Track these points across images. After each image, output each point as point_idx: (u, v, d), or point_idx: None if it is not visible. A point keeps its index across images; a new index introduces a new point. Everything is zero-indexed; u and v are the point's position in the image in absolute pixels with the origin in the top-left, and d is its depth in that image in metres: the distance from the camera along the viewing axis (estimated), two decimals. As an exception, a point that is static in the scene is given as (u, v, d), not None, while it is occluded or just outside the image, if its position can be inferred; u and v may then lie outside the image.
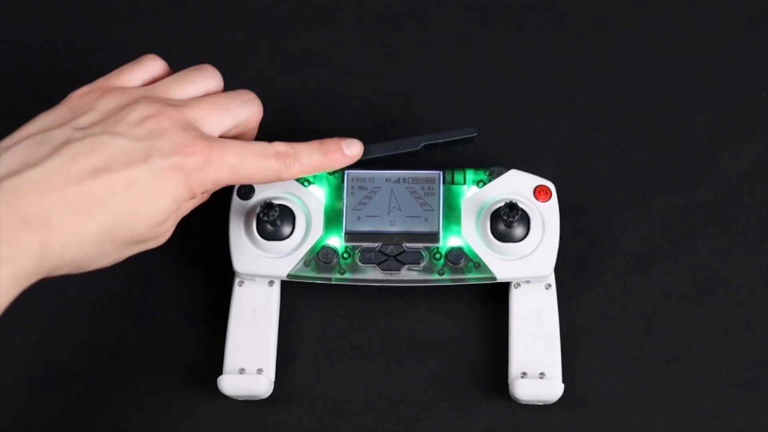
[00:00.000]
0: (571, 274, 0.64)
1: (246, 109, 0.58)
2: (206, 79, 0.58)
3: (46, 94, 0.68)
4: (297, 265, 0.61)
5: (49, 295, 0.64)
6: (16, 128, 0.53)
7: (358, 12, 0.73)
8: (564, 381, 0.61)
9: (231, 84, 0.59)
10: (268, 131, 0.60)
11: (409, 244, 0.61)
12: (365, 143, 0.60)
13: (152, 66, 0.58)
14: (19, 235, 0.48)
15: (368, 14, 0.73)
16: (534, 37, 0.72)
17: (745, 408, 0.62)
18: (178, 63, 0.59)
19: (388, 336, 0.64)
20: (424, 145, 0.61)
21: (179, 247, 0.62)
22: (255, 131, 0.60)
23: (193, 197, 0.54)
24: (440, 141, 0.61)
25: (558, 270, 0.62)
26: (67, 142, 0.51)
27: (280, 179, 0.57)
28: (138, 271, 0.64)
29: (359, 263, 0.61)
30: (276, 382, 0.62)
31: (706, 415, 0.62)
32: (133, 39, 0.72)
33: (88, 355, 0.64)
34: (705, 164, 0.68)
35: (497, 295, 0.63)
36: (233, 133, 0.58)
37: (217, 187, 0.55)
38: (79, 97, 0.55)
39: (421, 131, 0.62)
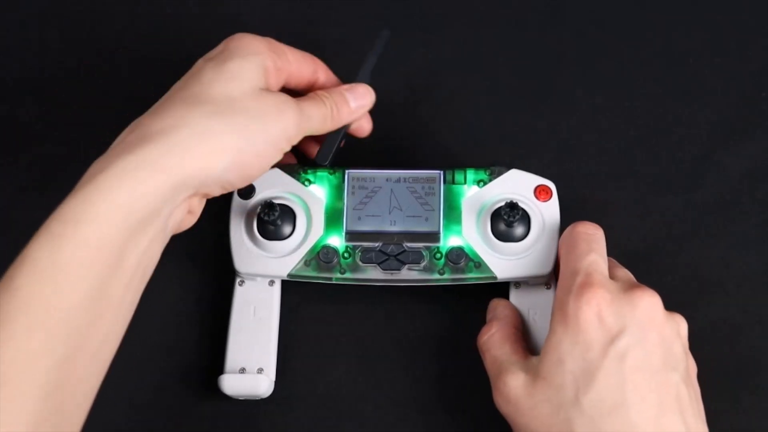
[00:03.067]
0: (571, 274, 0.64)
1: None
2: None
3: (46, 95, 0.68)
4: (297, 264, 0.61)
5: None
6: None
7: (358, 12, 0.73)
8: (564, 381, 0.60)
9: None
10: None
11: (409, 244, 0.61)
12: (365, 144, 0.60)
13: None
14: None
15: (368, 14, 0.73)
16: (534, 37, 0.72)
17: (745, 408, 0.62)
18: (177, 63, 0.59)
19: (389, 336, 0.64)
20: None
21: (179, 247, 0.62)
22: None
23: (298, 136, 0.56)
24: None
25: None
26: None
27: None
28: (138, 271, 0.64)
29: (360, 263, 0.61)
30: (276, 382, 0.62)
31: (706, 415, 0.62)
32: (134, 39, 0.72)
33: (88, 355, 0.64)
34: (705, 164, 0.68)
35: (497, 294, 0.63)
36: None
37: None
38: None
39: (421, 131, 0.62)
